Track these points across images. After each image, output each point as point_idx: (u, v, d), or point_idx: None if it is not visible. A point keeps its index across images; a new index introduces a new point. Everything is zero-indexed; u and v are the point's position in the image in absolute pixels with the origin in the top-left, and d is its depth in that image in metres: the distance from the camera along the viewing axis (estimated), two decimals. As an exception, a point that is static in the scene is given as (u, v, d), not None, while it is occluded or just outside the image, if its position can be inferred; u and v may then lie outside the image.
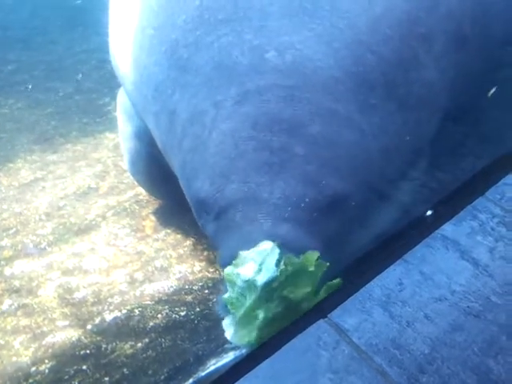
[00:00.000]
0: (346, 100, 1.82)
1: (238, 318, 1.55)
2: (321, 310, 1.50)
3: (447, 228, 1.71)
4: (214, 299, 2.22)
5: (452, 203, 1.84)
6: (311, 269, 1.58)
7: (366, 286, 1.54)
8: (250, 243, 1.66)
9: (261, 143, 1.75)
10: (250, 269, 1.55)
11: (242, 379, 1.29)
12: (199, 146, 1.88)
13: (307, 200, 1.71)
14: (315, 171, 1.74)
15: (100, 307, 2.38)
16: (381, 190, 1.98)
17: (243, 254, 1.59)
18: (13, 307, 2.44)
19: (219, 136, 1.81)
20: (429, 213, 1.81)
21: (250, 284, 1.53)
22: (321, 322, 1.44)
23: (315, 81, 1.81)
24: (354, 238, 1.91)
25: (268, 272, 1.53)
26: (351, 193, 1.80)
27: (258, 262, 1.55)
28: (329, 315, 1.46)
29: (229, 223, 1.76)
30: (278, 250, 1.58)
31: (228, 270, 1.58)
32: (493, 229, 1.69)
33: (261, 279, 1.52)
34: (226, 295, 1.58)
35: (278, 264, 1.54)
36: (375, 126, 1.87)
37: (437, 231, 1.70)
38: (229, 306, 1.57)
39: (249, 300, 1.53)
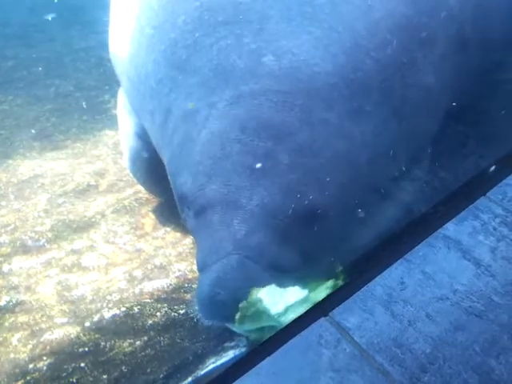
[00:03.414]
0: (339, 107, 1.80)
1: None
2: (322, 308, 1.50)
3: (449, 227, 1.71)
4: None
5: (454, 203, 1.84)
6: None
7: (368, 284, 1.54)
8: (221, 252, 1.67)
9: (246, 147, 1.73)
10: (277, 306, 1.60)
11: (243, 376, 1.29)
12: (188, 143, 1.87)
13: (285, 210, 1.69)
14: (297, 181, 1.72)
15: (99, 305, 2.37)
16: (377, 193, 1.97)
17: (277, 289, 1.63)
18: (11, 304, 2.42)
19: (207, 135, 1.81)
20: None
21: (270, 316, 1.59)
22: (322, 320, 1.44)
23: (310, 87, 1.79)
24: (355, 238, 1.90)
25: (289, 316, 1.60)
26: (332, 205, 1.77)
27: (285, 303, 1.61)
28: (330, 314, 1.46)
29: (206, 224, 1.76)
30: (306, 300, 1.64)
31: (254, 296, 1.61)
32: (495, 229, 1.69)
33: (280, 319, 1.59)
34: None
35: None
36: (368, 132, 1.85)
37: (439, 231, 1.70)
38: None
39: (263, 321, 1.61)
